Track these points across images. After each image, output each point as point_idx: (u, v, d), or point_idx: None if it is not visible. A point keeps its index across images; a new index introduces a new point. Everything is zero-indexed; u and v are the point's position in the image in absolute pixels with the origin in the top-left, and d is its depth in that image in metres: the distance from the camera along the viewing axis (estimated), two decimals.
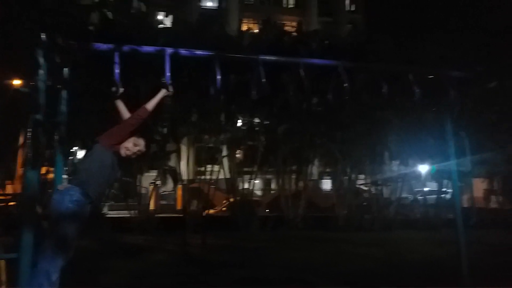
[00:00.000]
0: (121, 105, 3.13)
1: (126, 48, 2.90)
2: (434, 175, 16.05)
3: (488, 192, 18.57)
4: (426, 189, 16.59)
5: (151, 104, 3.13)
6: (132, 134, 3.13)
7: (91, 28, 2.52)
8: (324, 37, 13.75)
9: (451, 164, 3.91)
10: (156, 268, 6.60)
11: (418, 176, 15.89)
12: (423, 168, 15.22)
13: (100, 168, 2.95)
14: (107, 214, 14.09)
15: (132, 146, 3.23)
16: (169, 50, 2.91)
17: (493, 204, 17.77)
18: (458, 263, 3.77)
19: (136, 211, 13.08)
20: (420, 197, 15.94)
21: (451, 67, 4.17)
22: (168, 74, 2.89)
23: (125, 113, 3.20)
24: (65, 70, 3.07)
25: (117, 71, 2.88)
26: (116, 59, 2.84)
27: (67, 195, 2.76)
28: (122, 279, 5.57)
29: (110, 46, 2.87)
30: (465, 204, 15.87)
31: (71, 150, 13.85)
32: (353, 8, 36.67)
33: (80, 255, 7.07)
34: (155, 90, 3.13)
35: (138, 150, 3.23)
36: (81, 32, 2.59)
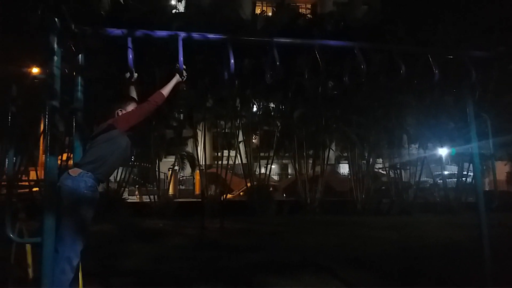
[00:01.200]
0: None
1: (139, 33, 2.87)
2: (454, 158, 15.76)
3: (511, 175, 18.20)
4: (446, 172, 16.31)
5: (166, 90, 3.10)
6: (147, 119, 3.13)
7: (102, 13, 2.51)
8: (340, 18, 13.61)
9: (473, 147, 3.80)
10: (174, 251, 6.72)
11: (437, 159, 15.61)
12: (443, 151, 14.93)
13: (116, 152, 2.97)
14: (127, 199, 14.37)
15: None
16: (182, 34, 2.88)
17: None
18: (479, 246, 3.71)
19: (156, 196, 13.32)
20: (440, 181, 15.69)
21: (471, 47, 4.02)
22: (181, 59, 2.86)
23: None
24: (80, 56, 3.09)
25: (130, 56, 2.86)
26: (130, 44, 2.82)
27: (81, 181, 2.76)
28: (141, 262, 5.69)
29: (123, 31, 2.84)
30: (487, 188, 15.58)
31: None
32: None
33: (101, 239, 7.29)
34: (169, 75, 3.11)
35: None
36: (94, 17, 2.59)
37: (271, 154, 15.13)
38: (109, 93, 8.02)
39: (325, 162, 14.65)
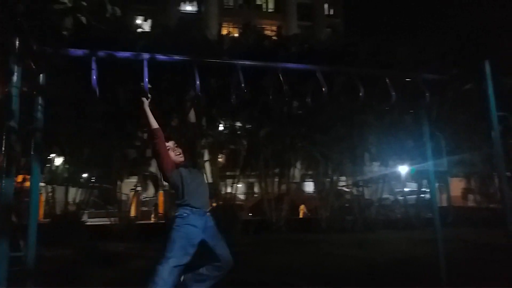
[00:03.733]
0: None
1: (102, 53, 2.85)
2: (414, 176, 16.38)
3: (466, 191, 19.07)
4: (406, 189, 16.89)
5: (152, 122, 3.17)
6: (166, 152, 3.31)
7: (65, 33, 2.47)
8: (304, 41, 14.01)
9: (429, 164, 3.99)
10: (136, 275, 6.49)
11: (398, 176, 16.16)
12: (403, 169, 15.50)
13: (189, 182, 3.30)
14: (86, 221, 13.80)
15: (174, 155, 3.40)
16: (146, 55, 2.88)
17: (471, 203, 18.26)
18: (436, 261, 3.85)
19: (117, 218, 12.88)
20: (401, 197, 16.21)
21: (427, 70, 4.27)
22: (146, 80, 2.85)
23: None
24: (41, 76, 3.01)
25: (94, 77, 2.83)
26: (93, 65, 2.78)
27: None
28: (101, 287, 5.46)
29: (85, 51, 2.81)
30: (443, 203, 16.24)
31: (48, 157, 13.60)
32: (332, 12, 37.21)
33: (59, 263, 6.93)
34: (133, 95, 3.09)
35: (179, 151, 3.46)
36: (55, 37, 2.54)
37: (238, 173, 15.11)
38: (72, 113, 7.81)
39: (291, 180, 14.79)
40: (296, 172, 16.41)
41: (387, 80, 3.27)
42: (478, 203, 16.25)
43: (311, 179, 16.78)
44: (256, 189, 24.76)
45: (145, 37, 11.26)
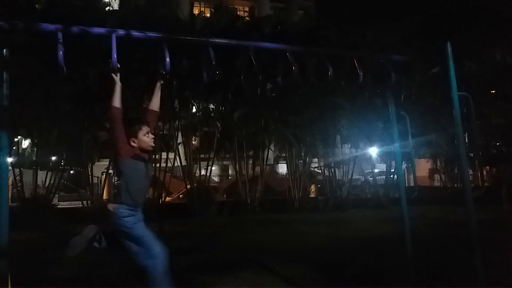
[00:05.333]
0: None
1: (75, 29, 2.76)
2: (383, 156, 16.87)
3: (432, 172, 19.85)
4: (375, 170, 17.39)
5: (116, 100, 2.99)
6: (127, 129, 3.09)
7: (37, 6, 2.38)
8: (277, 22, 13.98)
9: (395, 145, 4.14)
10: (109, 256, 6.48)
11: (368, 158, 16.60)
12: (373, 151, 15.92)
13: (138, 176, 3.13)
14: (57, 205, 13.53)
15: (147, 137, 3.24)
16: (120, 31, 2.81)
17: (437, 183, 19.03)
18: (402, 237, 4.05)
19: (89, 201, 12.70)
20: (370, 178, 16.71)
21: (394, 52, 4.39)
22: (115, 56, 2.79)
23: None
24: (6, 51, 2.89)
25: (60, 52, 2.73)
26: (60, 38, 2.68)
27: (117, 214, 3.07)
28: (73, 269, 5.43)
29: (57, 26, 2.70)
30: (411, 183, 16.87)
31: (15, 139, 13.14)
32: None
33: (30, 247, 6.81)
34: (102, 74, 3.04)
35: (153, 136, 3.35)
36: (25, 11, 2.45)
37: (211, 155, 15.10)
38: (38, 94, 7.56)
39: (265, 162, 14.94)
40: (270, 154, 16.56)
41: (355, 61, 3.36)
42: (443, 183, 16.95)
43: (284, 161, 17.00)
44: (230, 171, 24.87)
45: (114, 15, 10.93)
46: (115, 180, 20.16)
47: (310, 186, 14.95)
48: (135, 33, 2.92)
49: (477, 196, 3.57)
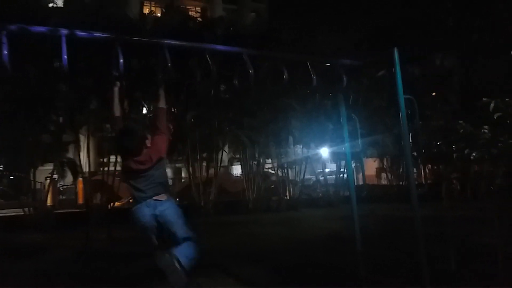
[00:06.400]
0: (116, 94, 3.02)
1: (14, 27, 2.58)
2: (333, 157, 17.42)
3: (379, 170, 20.78)
4: (326, 170, 17.91)
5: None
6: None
7: None
8: (229, 24, 13.97)
9: (345, 146, 4.29)
10: (55, 265, 6.15)
11: (319, 158, 17.06)
12: (324, 151, 16.39)
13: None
14: None
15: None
16: (64, 31, 2.67)
17: (384, 181, 19.95)
18: (352, 234, 4.21)
19: (31, 208, 11.94)
20: (321, 178, 17.18)
21: (344, 56, 4.55)
22: (65, 56, 2.65)
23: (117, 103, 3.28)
24: None
25: (5, 52, 2.55)
26: (4, 38, 2.51)
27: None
28: (17, 281, 5.09)
29: None
30: (359, 182, 17.58)
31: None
32: None
33: None
34: (46, 74, 2.88)
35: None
36: None
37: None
38: None
39: (219, 164, 14.87)
40: (224, 156, 16.52)
41: (308, 65, 3.44)
42: (390, 181, 17.78)
43: (239, 163, 17.02)
44: (183, 174, 24.46)
45: (58, 13, 10.38)
46: (60, 185, 19.16)
47: (264, 187, 15.09)
48: (85, 34, 2.79)
49: (420, 194, 3.79)
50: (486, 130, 3.09)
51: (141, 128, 3.47)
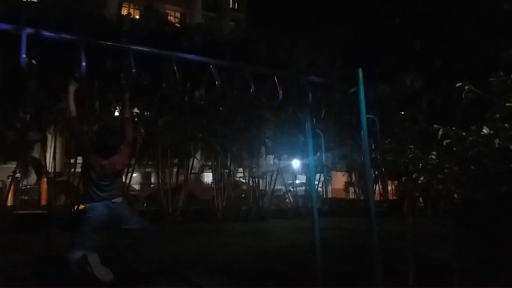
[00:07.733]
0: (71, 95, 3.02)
1: None
2: (304, 169, 17.64)
3: (347, 184, 21.17)
4: (297, 181, 18.09)
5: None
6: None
7: None
8: (207, 32, 14.02)
9: (311, 159, 4.38)
10: (12, 270, 5.92)
11: (290, 169, 17.23)
12: (295, 163, 16.57)
13: None
14: None
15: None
16: (28, 30, 2.62)
17: (351, 195, 20.33)
18: (313, 246, 4.29)
19: None
20: (292, 189, 17.34)
21: (316, 72, 4.68)
22: (23, 56, 2.60)
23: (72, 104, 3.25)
24: None
25: None
26: None
27: None
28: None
29: None
30: (329, 195, 17.84)
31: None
32: (236, 6, 37.63)
33: None
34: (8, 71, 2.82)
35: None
36: None
37: (133, 162, 14.53)
38: None
39: (189, 171, 14.76)
40: (196, 162, 16.42)
41: (275, 79, 3.52)
42: (357, 195, 18.13)
43: (210, 170, 16.96)
44: (153, 179, 24.10)
45: (31, 8, 10.12)
46: (23, 185, 18.48)
47: (234, 196, 15.08)
48: (50, 34, 2.76)
49: (380, 211, 3.91)
50: (433, 156, 3.25)
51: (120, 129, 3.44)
